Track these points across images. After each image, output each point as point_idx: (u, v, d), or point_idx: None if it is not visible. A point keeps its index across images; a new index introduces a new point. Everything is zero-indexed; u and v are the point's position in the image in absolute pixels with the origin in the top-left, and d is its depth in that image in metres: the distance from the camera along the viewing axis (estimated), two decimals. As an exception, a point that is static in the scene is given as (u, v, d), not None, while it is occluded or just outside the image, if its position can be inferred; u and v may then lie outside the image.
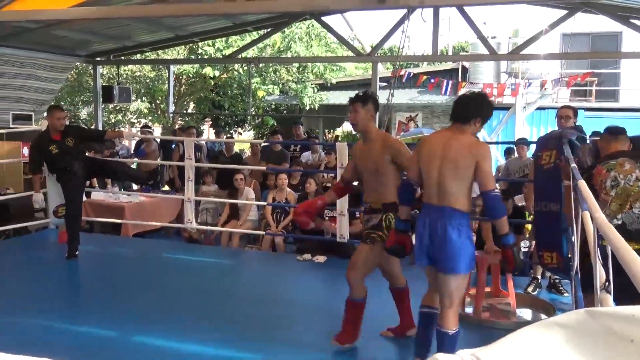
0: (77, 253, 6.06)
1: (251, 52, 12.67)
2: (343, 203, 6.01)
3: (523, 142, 8.10)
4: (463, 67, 15.86)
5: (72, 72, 13.98)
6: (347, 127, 17.21)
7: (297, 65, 15.63)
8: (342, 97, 18.01)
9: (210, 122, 18.81)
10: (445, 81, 11.77)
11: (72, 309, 4.77)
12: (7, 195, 7.27)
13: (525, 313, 4.74)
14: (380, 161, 3.69)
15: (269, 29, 10.74)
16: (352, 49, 9.62)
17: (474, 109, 3.26)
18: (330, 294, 5.32)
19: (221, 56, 13.64)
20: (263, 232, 7.06)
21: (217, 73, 15.13)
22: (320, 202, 4.15)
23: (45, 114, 11.20)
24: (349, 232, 6.10)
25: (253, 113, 16.13)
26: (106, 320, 4.32)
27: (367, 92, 3.91)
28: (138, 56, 11.82)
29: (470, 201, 3.26)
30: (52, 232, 7.11)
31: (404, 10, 6.75)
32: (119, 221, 6.58)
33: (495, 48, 10.65)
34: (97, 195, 7.90)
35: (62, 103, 16.23)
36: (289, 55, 14.39)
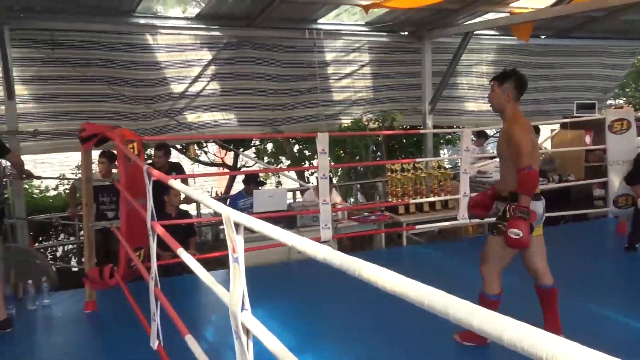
0: (637, 246, 5.80)
1: None
2: None
3: None
4: None
5: (638, 57, 13.36)
6: None
7: None
8: None
9: None
10: None
11: (628, 302, 4.60)
12: (568, 182, 7.54)
13: None
14: (503, 146, 3.58)
15: None
16: None
17: None
18: None
19: None
20: None
21: None
22: (490, 192, 3.90)
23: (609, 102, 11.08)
24: None
25: None
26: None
27: (509, 69, 3.62)
28: None
29: None
30: (611, 222, 7.00)
31: None
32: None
33: None
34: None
35: (626, 90, 15.76)
36: None
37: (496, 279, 3.64)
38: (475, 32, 7.98)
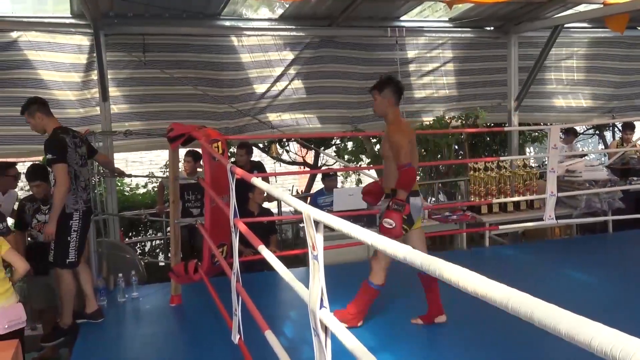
0: None
1: None
2: None
3: None
4: None
5: None
6: None
7: None
8: None
9: None
10: None
11: None
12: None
13: None
14: (385, 148, 3.90)
15: None
16: None
17: None
18: None
19: None
20: None
21: None
22: (381, 182, 4.19)
23: None
24: None
25: None
26: None
27: (385, 77, 3.91)
28: None
29: None
30: None
31: None
32: None
33: None
34: None
35: None
36: None
37: (383, 271, 3.90)
38: (565, 25, 7.64)
